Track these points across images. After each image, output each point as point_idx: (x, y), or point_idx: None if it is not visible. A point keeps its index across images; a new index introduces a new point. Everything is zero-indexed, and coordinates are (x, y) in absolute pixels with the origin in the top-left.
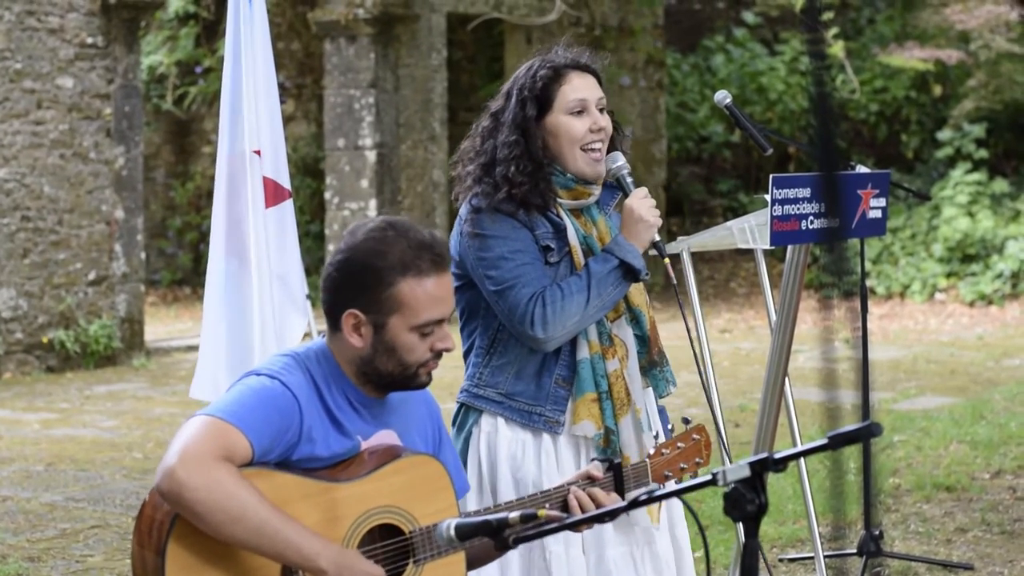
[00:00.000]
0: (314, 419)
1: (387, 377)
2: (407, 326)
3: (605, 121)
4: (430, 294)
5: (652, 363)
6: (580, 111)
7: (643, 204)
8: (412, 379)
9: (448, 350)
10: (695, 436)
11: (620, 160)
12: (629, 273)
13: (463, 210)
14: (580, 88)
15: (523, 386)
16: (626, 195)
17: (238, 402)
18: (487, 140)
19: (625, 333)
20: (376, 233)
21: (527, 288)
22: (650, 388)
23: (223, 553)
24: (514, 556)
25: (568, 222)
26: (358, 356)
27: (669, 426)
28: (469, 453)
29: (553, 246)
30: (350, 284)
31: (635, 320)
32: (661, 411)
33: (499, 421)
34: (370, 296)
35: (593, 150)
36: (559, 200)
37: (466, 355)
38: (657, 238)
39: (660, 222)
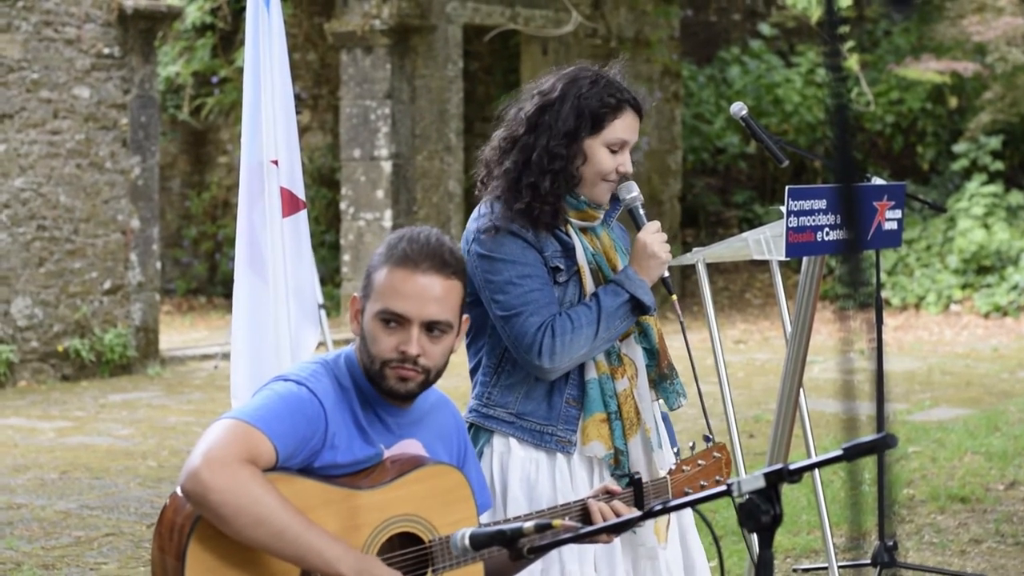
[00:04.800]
0: (339, 426)
1: (367, 373)
2: (372, 312)
3: (630, 166)
4: (396, 285)
5: (662, 376)
6: (616, 150)
7: (655, 239)
8: (380, 378)
9: (410, 354)
10: (716, 454)
11: (634, 191)
12: (638, 307)
13: (472, 225)
14: (628, 128)
15: (534, 406)
16: (639, 228)
17: (265, 407)
18: (528, 134)
19: (634, 352)
20: (398, 232)
21: (535, 316)
22: (659, 401)
23: (244, 556)
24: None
25: (577, 241)
26: (358, 348)
27: (674, 430)
28: None
29: (562, 266)
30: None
31: (643, 333)
32: (664, 417)
33: (511, 441)
34: (364, 281)
35: (612, 183)
36: (568, 219)
37: (472, 372)
38: (666, 274)
39: (671, 258)
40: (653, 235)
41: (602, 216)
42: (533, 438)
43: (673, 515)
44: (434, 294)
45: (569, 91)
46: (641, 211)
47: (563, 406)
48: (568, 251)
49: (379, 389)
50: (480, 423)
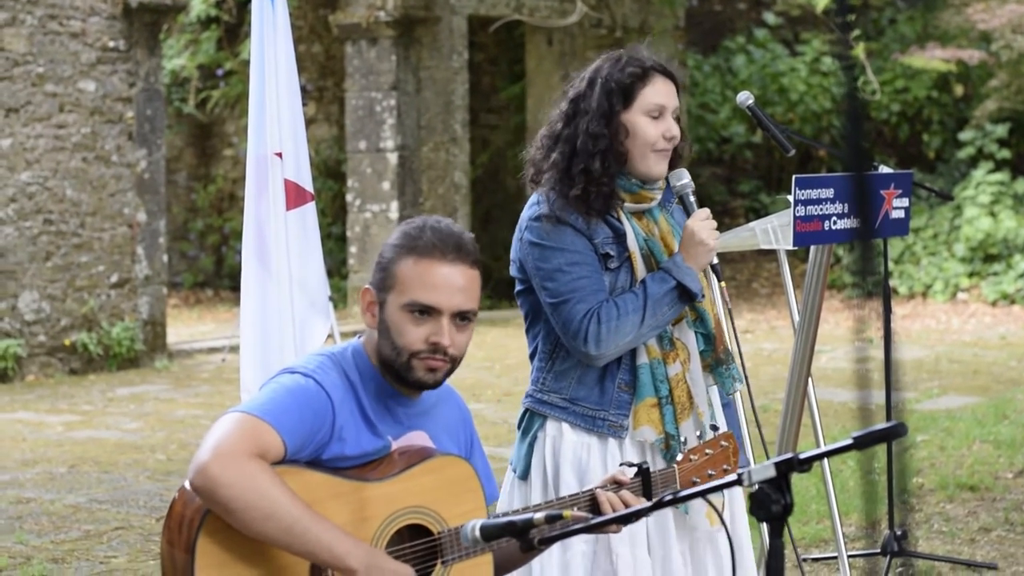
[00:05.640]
0: (346, 418)
1: (389, 365)
2: (398, 304)
3: (677, 130)
4: (423, 276)
5: (718, 361)
6: (657, 116)
7: (704, 226)
8: (406, 369)
9: (442, 345)
10: (723, 443)
11: (685, 178)
12: (685, 295)
13: (525, 214)
14: (662, 93)
15: (586, 391)
16: (688, 214)
17: (272, 400)
18: (568, 126)
19: (687, 337)
20: (414, 222)
21: (582, 304)
22: (715, 386)
23: (253, 550)
24: (577, 558)
25: (628, 226)
26: (375, 340)
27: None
28: (534, 458)
29: (613, 253)
30: (375, 266)
31: (699, 319)
32: (727, 404)
33: (564, 426)
34: (381, 273)
35: (662, 152)
36: (621, 203)
37: (531, 358)
38: (715, 261)
39: (719, 245)
40: (702, 222)
41: (658, 198)
42: (585, 423)
43: (727, 499)
44: (461, 284)
45: (596, 76)
46: (691, 198)
47: (615, 391)
48: (619, 237)
49: (403, 381)
50: (534, 408)
